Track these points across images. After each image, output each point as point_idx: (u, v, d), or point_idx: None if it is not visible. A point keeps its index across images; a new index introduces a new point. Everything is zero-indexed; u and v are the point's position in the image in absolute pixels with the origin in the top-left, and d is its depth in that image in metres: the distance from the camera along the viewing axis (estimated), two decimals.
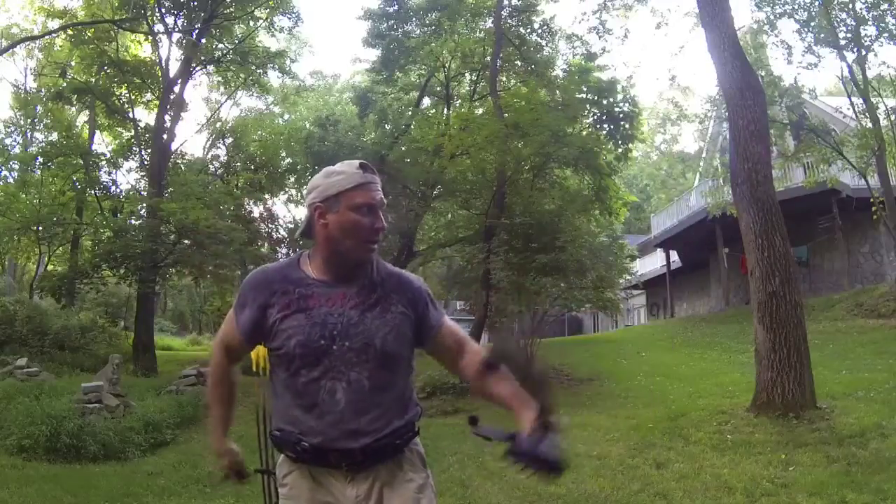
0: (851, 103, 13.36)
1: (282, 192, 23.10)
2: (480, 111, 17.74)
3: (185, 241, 15.36)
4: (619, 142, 18.23)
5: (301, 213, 18.25)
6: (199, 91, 38.86)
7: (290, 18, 19.86)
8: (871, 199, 12.45)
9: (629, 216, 27.60)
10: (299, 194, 23.11)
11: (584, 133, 16.09)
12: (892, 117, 13.30)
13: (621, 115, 18.13)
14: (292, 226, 21.36)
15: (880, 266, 15.06)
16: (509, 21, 16.95)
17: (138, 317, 15.53)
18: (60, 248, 21.94)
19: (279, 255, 20.12)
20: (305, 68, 51.88)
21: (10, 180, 21.32)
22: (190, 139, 54.05)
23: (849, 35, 13.00)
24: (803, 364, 6.06)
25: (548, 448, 1.43)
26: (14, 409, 7.82)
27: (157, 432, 8.27)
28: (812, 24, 13.09)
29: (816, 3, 13.06)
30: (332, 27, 68.66)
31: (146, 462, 7.40)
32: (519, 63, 17.78)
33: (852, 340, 10.23)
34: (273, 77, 21.67)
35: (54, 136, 19.98)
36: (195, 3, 17.28)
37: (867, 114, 13.05)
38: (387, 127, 19.71)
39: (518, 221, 11.89)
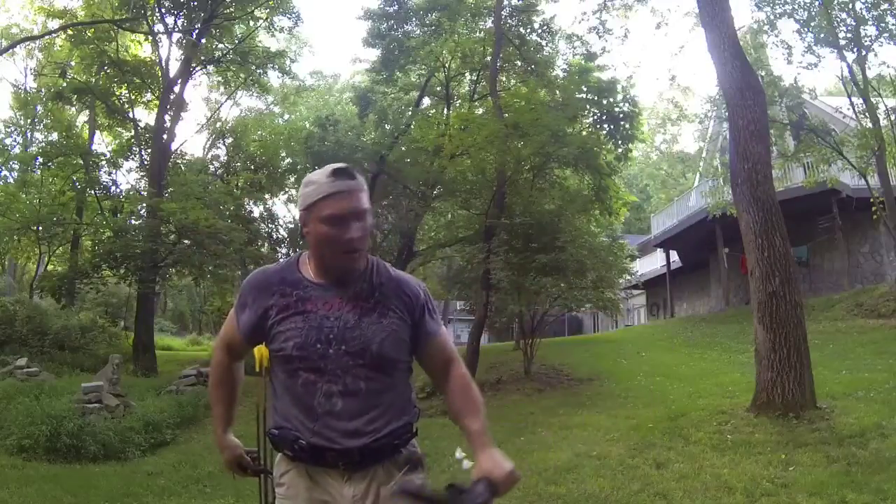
0: (851, 103, 13.35)
1: (282, 192, 23.08)
2: (480, 111, 17.72)
3: (185, 241, 15.36)
4: (619, 142, 18.21)
5: None
6: (199, 91, 38.92)
7: (289, 18, 19.89)
8: (871, 199, 12.44)
9: (629, 216, 27.59)
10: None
11: (584, 133, 16.07)
12: (892, 117, 13.30)
13: (621, 115, 18.11)
14: (292, 226, 21.37)
15: (880, 266, 15.06)
16: (509, 21, 16.93)
17: (138, 317, 15.54)
18: (60, 248, 21.95)
19: (279, 255, 20.13)
20: (305, 68, 51.92)
21: (10, 180, 21.37)
22: (190, 139, 54.27)
23: (849, 35, 13.00)
24: (803, 364, 6.06)
25: None
26: (14, 409, 7.83)
27: (157, 432, 8.28)
28: (812, 24, 13.08)
29: (816, 3, 13.05)
30: (332, 27, 68.73)
31: (146, 462, 7.40)
32: (519, 63, 17.76)
33: (852, 340, 10.22)
34: (273, 77, 21.72)
35: (54, 136, 20.01)
36: (195, 3, 17.28)
37: (867, 114, 13.04)
38: (387, 127, 19.70)
39: (518, 221, 11.88)
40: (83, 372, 11.94)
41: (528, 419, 8.03)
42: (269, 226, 21.90)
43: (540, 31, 17.73)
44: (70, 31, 17.86)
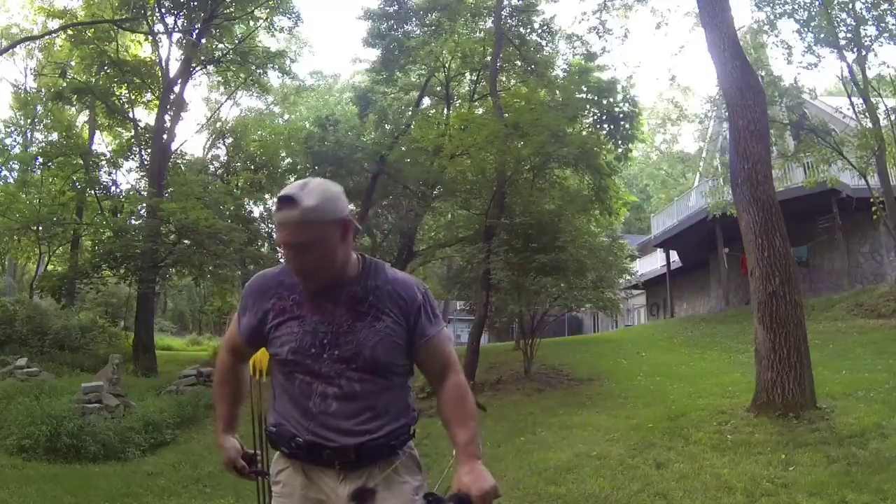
0: (851, 103, 13.34)
1: None
2: (480, 111, 17.72)
3: (185, 241, 15.37)
4: (619, 142, 18.21)
5: None
6: (199, 91, 38.99)
7: (290, 18, 19.92)
8: (871, 199, 12.43)
9: (629, 216, 27.62)
10: None
11: (584, 133, 16.05)
12: (892, 117, 13.29)
13: (621, 115, 18.11)
14: None
15: (880, 266, 15.06)
16: (509, 21, 16.93)
17: (138, 317, 15.55)
18: (60, 248, 21.95)
19: (279, 255, 20.09)
20: (305, 68, 51.97)
21: (10, 180, 21.38)
22: (190, 139, 54.33)
23: (849, 35, 12.99)
24: (803, 364, 6.05)
25: None
26: (14, 409, 7.84)
27: (157, 432, 8.28)
28: (812, 24, 13.07)
29: (816, 3, 13.05)
30: (332, 27, 68.75)
31: (146, 462, 7.41)
32: (519, 63, 17.76)
33: (852, 340, 10.22)
34: (273, 77, 21.74)
35: (54, 136, 20.03)
36: (195, 3, 17.29)
37: (867, 114, 13.03)
38: (387, 127, 19.69)
39: (518, 221, 11.87)
40: (83, 372, 11.95)
41: (528, 419, 8.03)
42: (269, 226, 21.88)
43: (540, 31, 17.73)
44: (70, 31, 17.86)
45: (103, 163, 18.09)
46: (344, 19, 76.35)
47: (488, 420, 7.98)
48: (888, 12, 12.80)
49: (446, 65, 18.56)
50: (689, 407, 7.08)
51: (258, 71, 19.76)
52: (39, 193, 20.21)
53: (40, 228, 18.69)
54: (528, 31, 17.57)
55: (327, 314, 1.70)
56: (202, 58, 18.28)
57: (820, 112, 16.58)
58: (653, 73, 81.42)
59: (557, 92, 16.16)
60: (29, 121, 24.47)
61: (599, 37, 16.40)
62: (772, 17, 13.72)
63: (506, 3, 16.51)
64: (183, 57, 17.65)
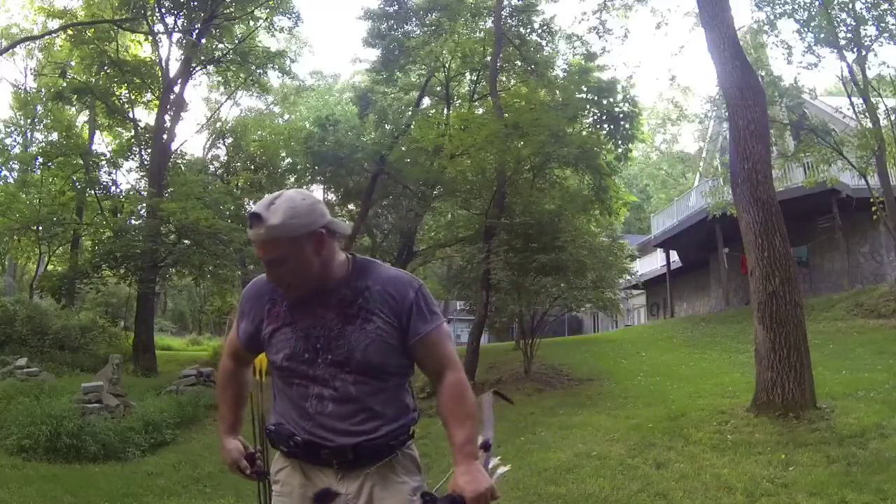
0: (851, 103, 13.34)
1: None
2: (480, 111, 17.72)
3: (185, 241, 15.38)
4: (619, 142, 18.21)
5: None
6: (199, 91, 39.00)
7: (289, 18, 19.91)
8: (871, 199, 12.42)
9: (629, 216, 27.62)
10: None
11: (584, 133, 16.05)
12: (892, 117, 13.28)
13: (621, 115, 18.11)
14: None
15: (880, 266, 15.06)
16: (509, 21, 16.93)
17: (138, 317, 15.54)
18: (60, 248, 21.95)
19: None
20: (305, 68, 51.97)
21: (10, 180, 21.37)
22: (190, 139, 54.25)
23: (849, 35, 12.98)
24: (803, 364, 6.05)
25: None
26: (14, 409, 7.83)
27: (157, 432, 8.27)
28: (812, 24, 13.06)
29: (816, 3, 13.04)
30: (332, 27, 68.73)
31: (146, 462, 7.40)
32: (519, 63, 17.76)
33: (852, 340, 10.22)
34: (273, 77, 21.71)
35: (54, 136, 20.01)
36: (195, 3, 17.28)
37: (867, 114, 13.03)
38: (387, 127, 19.69)
39: (518, 221, 11.88)
40: (83, 372, 11.94)
41: (528, 419, 8.04)
42: None
43: (540, 31, 17.73)
44: (70, 31, 17.85)
45: (103, 163, 18.09)
46: (344, 19, 76.42)
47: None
48: (888, 12, 12.79)
49: (446, 65, 18.55)
50: (689, 407, 7.08)
51: (258, 71, 19.75)
52: (39, 193, 20.20)
53: (40, 228, 18.68)
54: (528, 31, 17.57)
55: (318, 318, 1.71)
56: (202, 58, 18.27)
57: (820, 112, 16.58)
58: (653, 73, 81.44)
59: (557, 92, 16.16)
60: (29, 121, 24.46)
61: (599, 37, 16.41)
62: (772, 17, 13.71)
63: (506, 3, 16.51)
64: (183, 57, 17.65)
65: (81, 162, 17.38)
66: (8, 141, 24.35)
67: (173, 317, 33.74)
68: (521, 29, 17.40)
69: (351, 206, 21.52)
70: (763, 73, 13.54)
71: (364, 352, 1.67)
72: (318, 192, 22.36)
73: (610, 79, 17.94)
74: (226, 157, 22.88)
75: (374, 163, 18.33)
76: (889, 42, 13.18)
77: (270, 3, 18.74)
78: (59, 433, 7.13)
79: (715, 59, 7.26)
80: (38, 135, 24.12)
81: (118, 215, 17.58)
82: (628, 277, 15.33)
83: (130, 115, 19.04)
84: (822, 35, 12.89)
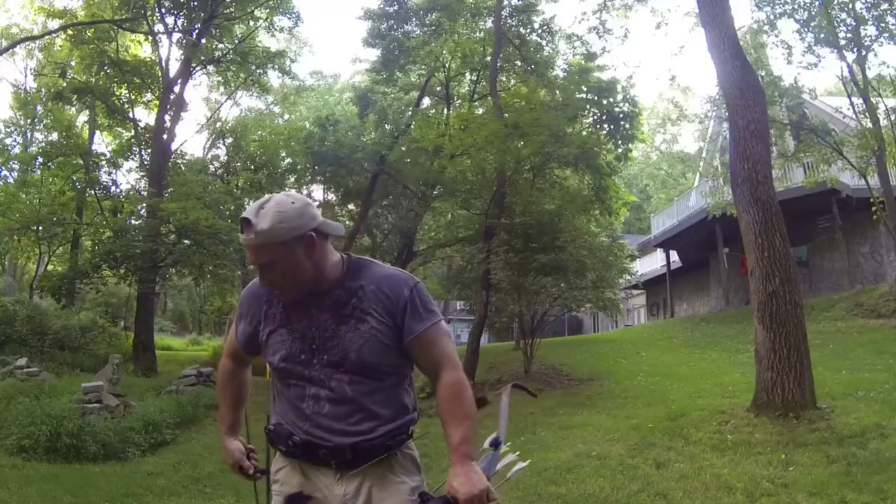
0: (851, 103, 13.33)
1: None
2: (480, 111, 17.73)
3: (185, 241, 15.37)
4: (619, 142, 18.21)
5: None
6: (199, 91, 38.99)
7: (289, 18, 19.91)
8: (871, 199, 12.42)
9: (629, 216, 27.62)
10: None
11: (584, 133, 16.06)
12: (892, 117, 13.28)
13: (621, 115, 18.11)
14: None
15: (880, 266, 15.05)
16: (509, 21, 16.94)
17: (138, 317, 15.54)
18: (60, 248, 21.95)
19: None
20: (305, 68, 51.99)
21: (10, 180, 21.37)
22: (190, 139, 54.24)
23: (849, 35, 12.98)
24: (803, 364, 6.05)
25: None
26: (14, 409, 7.83)
27: (157, 432, 8.27)
28: (812, 24, 13.06)
29: (816, 3, 13.04)
30: (332, 27, 68.73)
31: (146, 462, 7.40)
32: (519, 63, 17.77)
33: (852, 340, 10.22)
34: (273, 77, 21.71)
35: (54, 136, 20.01)
36: (195, 3, 17.28)
37: (867, 114, 13.03)
38: (387, 127, 19.70)
39: (518, 221, 11.89)
40: (83, 372, 11.94)
41: (528, 419, 8.03)
42: None
43: (540, 31, 17.74)
44: (70, 31, 17.86)
45: (103, 163, 18.09)
46: (344, 19, 76.43)
47: (488, 420, 7.96)
48: (888, 12, 12.79)
49: (446, 65, 18.56)
50: (689, 407, 7.08)
51: (258, 71, 19.75)
52: (39, 193, 20.20)
53: (40, 228, 18.68)
54: (528, 31, 17.58)
55: (314, 319, 1.71)
56: (202, 58, 18.27)
57: (820, 112, 16.57)
58: (653, 73, 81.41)
59: (557, 92, 16.17)
60: (29, 121, 24.46)
61: (599, 37, 16.43)
62: (772, 17, 13.71)
63: (506, 3, 16.51)
64: (183, 57, 17.65)
65: (81, 162, 17.38)
66: (8, 141, 24.38)
67: (173, 317, 33.76)
68: (521, 29, 17.41)
69: (351, 206, 21.54)
70: (763, 73, 13.53)
71: (358, 352, 1.67)
72: (318, 192, 22.41)
73: (610, 79, 17.95)
74: (226, 157, 22.89)
75: (374, 163, 18.33)
76: (889, 42, 13.19)
77: (270, 3, 18.74)
78: (59, 433, 7.12)
79: (715, 59, 7.26)
80: (38, 135, 24.16)
81: (118, 215, 17.58)
82: (628, 277, 15.34)
83: (130, 115, 19.05)
84: (822, 35, 12.89)
